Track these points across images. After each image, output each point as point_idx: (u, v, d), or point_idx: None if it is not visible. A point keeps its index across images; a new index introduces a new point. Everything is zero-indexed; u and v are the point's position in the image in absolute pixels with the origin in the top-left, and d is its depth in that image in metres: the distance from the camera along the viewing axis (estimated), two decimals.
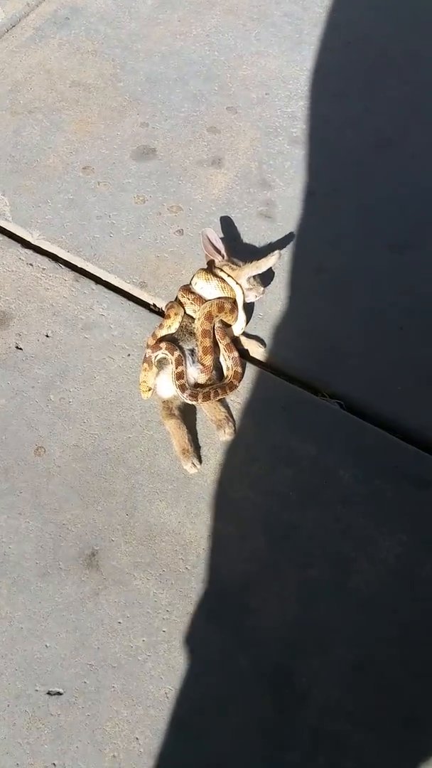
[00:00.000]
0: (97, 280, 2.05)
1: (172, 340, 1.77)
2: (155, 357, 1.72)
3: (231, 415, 1.78)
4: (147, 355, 1.74)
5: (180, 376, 1.68)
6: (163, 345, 1.71)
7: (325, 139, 2.44)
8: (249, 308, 1.95)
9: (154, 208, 2.21)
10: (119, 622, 1.53)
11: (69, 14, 2.81)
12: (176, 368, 1.69)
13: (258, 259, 1.85)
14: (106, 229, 2.15)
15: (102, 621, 1.54)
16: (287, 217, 2.21)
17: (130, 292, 2.04)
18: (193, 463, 1.67)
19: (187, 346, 1.76)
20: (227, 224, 2.18)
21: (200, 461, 1.70)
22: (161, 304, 1.99)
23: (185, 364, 1.71)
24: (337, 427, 1.78)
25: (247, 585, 1.58)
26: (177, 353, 1.69)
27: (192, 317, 1.82)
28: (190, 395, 1.69)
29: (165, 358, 1.73)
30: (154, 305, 2.01)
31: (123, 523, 1.64)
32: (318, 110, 2.52)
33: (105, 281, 2.06)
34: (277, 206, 2.24)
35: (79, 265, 2.09)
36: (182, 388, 1.68)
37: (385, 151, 2.42)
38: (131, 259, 2.08)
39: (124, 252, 2.10)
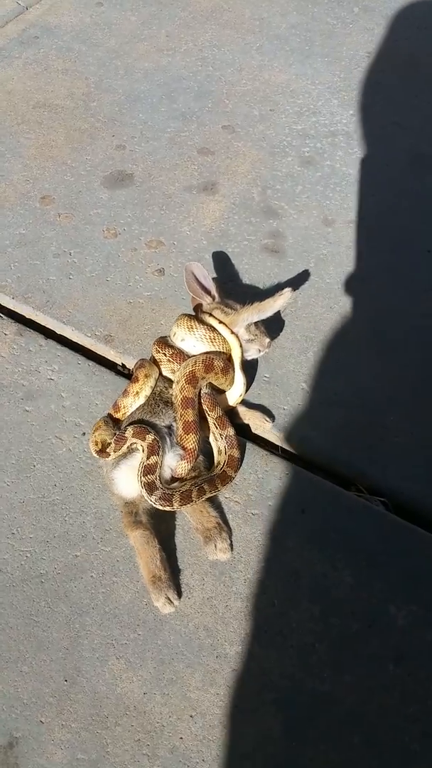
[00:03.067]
0: (48, 334, 1.63)
1: (140, 420, 1.31)
2: (119, 449, 1.26)
3: (225, 522, 1.30)
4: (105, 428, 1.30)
5: (150, 469, 1.21)
6: (129, 432, 1.25)
7: (345, 157, 2.07)
8: (250, 367, 1.50)
9: (128, 243, 1.82)
10: None
11: (39, 33, 2.55)
12: (147, 458, 1.22)
13: (261, 301, 1.42)
14: (64, 270, 1.75)
15: None
16: (299, 251, 1.80)
17: (91, 348, 1.61)
18: (167, 598, 1.18)
19: (162, 422, 1.30)
20: (222, 261, 1.78)
21: (179, 594, 1.21)
22: (131, 364, 1.55)
23: (161, 451, 1.25)
24: (382, 539, 1.29)
25: None
26: (150, 437, 1.23)
27: (170, 380, 1.37)
28: (161, 498, 1.21)
29: (134, 446, 1.27)
30: (123, 366, 1.58)
31: (59, 694, 1.13)
32: (335, 127, 2.17)
33: (59, 335, 1.65)
34: (286, 238, 1.84)
35: (26, 315, 1.68)
36: (149, 487, 1.21)
37: (420, 170, 2.04)
38: (95, 306, 1.66)
39: (87, 298, 1.68)
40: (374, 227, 1.88)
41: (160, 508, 1.23)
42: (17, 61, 2.43)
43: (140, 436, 1.25)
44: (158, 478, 1.22)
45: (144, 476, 1.22)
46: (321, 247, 1.83)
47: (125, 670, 1.16)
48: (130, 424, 1.29)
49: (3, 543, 1.29)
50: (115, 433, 1.28)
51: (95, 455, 1.28)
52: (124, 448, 1.26)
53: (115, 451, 1.26)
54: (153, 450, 1.24)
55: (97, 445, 1.27)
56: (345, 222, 1.89)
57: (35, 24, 2.60)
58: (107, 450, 1.26)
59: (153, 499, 1.22)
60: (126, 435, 1.26)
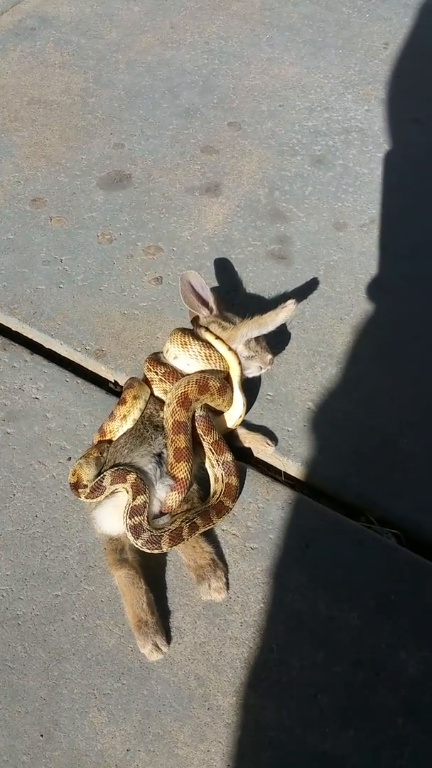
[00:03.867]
0: (35, 348, 1.56)
1: (127, 444, 1.23)
2: (95, 497, 1.19)
3: (221, 558, 1.22)
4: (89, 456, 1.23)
5: (137, 510, 1.14)
6: (107, 479, 1.17)
7: (359, 156, 1.98)
8: (251, 385, 1.42)
9: (123, 250, 1.75)
10: None
11: (36, 24, 2.49)
12: (133, 499, 1.14)
13: (262, 314, 1.34)
14: (54, 278, 1.68)
15: None
16: (308, 257, 1.72)
17: (81, 363, 1.54)
18: (155, 644, 1.10)
19: (152, 449, 1.22)
20: (225, 269, 1.70)
21: (168, 640, 1.13)
22: (125, 381, 1.47)
23: (147, 488, 1.17)
24: (394, 576, 1.21)
25: None
26: (132, 477, 1.16)
27: (163, 402, 1.30)
28: (148, 542, 1.13)
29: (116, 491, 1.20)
30: (115, 383, 1.50)
31: (34, 752, 1.05)
32: (349, 123, 2.08)
33: (46, 349, 1.58)
34: (294, 243, 1.75)
35: (11, 328, 1.61)
36: (135, 530, 1.14)
37: None
38: (86, 317, 1.59)
39: (77, 308, 1.61)
40: (390, 231, 1.79)
41: (147, 551, 1.15)
42: (12, 54, 2.37)
43: (120, 480, 1.18)
44: (145, 518, 1.15)
45: (130, 518, 1.14)
46: (331, 253, 1.74)
47: (107, 723, 1.09)
48: (110, 468, 1.21)
49: None
50: (96, 474, 1.20)
51: (72, 492, 1.21)
52: (101, 498, 1.19)
53: (88, 498, 1.19)
54: (138, 489, 1.16)
55: (74, 477, 1.20)
56: (358, 226, 1.80)
57: (32, 14, 2.54)
58: (80, 492, 1.19)
59: (139, 543, 1.14)
60: (104, 484, 1.18)
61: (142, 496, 1.16)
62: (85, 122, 2.12)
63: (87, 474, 1.21)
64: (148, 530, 1.14)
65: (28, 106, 2.18)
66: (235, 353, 1.33)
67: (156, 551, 1.15)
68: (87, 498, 1.19)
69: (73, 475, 1.21)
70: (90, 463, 1.21)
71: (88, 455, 1.23)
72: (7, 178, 1.95)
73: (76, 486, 1.20)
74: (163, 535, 1.14)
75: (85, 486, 1.20)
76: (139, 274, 1.70)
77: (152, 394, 1.33)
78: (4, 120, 2.13)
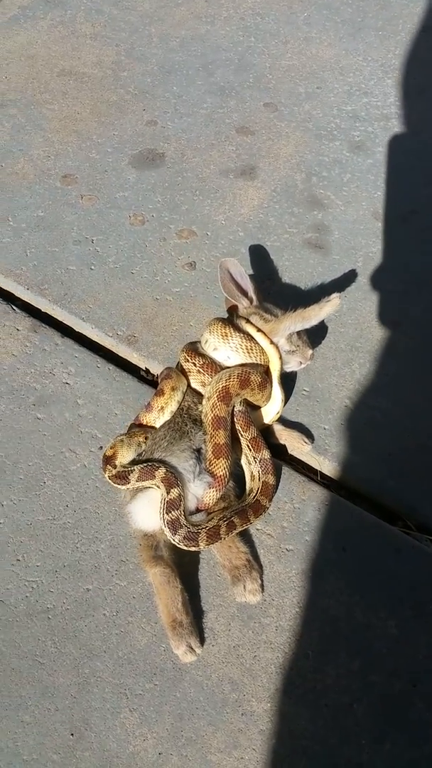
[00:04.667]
0: (65, 331, 1.51)
1: (166, 437, 1.19)
2: (125, 485, 1.15)
3: (256, 559, 1.18)
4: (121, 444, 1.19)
5: (173, 505, 1.10)
6: (134, 475, 1.13)
7: (399, 144, 1.91)
8: (288, 380, 1.38)
9: (156, 232, 1.69)
10: None
11: None
12: (167, 493, 1.10)
13: (305, 307, 1.29)
14: (85, 259, 1.63)
15: None
16: (346, 247, 1.66)
17: (112, 349, 1.49)
18: (189, 646, 1.07)
19: (191, 444, 1.18)
20: (260, 256, 1.64)
21: (201, 641, 1.10)
22: (157, 370, 1.43)
23: (182, 483, 1.13)
24: None
25: None
26: (161, 472, 1.11)
27: (200, 394, 1.25)
28: (185, 538, 1.10)
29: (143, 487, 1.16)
30: (147, 371, 1.46)
31: (64, 750, 1.03)
32: (389, 109, 2.01)
33: (76, 333, 1.53)
34: (332, 232, 1.70)
35: (41, 309, 1.56)
36: (173, 525, 1.10)
37: None
38: (118, 301, 1.54)
39: (109, 291, 1.56)
40: (431, 223, 1.73)
41: (184, 548, 1.11)
42: (41, 23, 2.30)
43: (148, 476, 1.14)
44: (182, 513, 1.11)
45: (167, 513, 1.10)
46: (370, 244, 1.69)
47: (139, 725, 1.06)
48: (145, 461, 1.17)
49: (6, 570, 1.19)
50: (131, 459, 1.17)
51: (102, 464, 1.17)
52: (121, 488, 1.15)
53: (111, 480, 1.15)
54: (170, 483, 1.12)
55: (112, 450, 1.16)
56: (398, 216, 1.75)
57: None
58: (109, 468, 1.15)
59: (177, 539, 1.10)
60: (130, 478, 1.14)
61: (175, 489, 1.12)
62: (117, 97, 2.05)
63: (123, 455, 1.17)
64: (186, 526, 1.10)
65: (59, 78, 2.11)
66: (277, 347, 1.29)
67: (193, 548, 1.12)
68: (110, 479, 1.15)
69: (111, 448, 1.17)
70: (131, 446, 1.17)
71: (133, 436, 1.19)
72: (37, 152, 1.88)
73: (108, 460, 1.16)
74: (200, 532, 1.11)
75: (116, 466, 1.15)
76: (172, 259, 1.65)
77: (189, 385, 1.29)
78: (35, 92, 2.06)
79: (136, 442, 1.18)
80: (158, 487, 1.14)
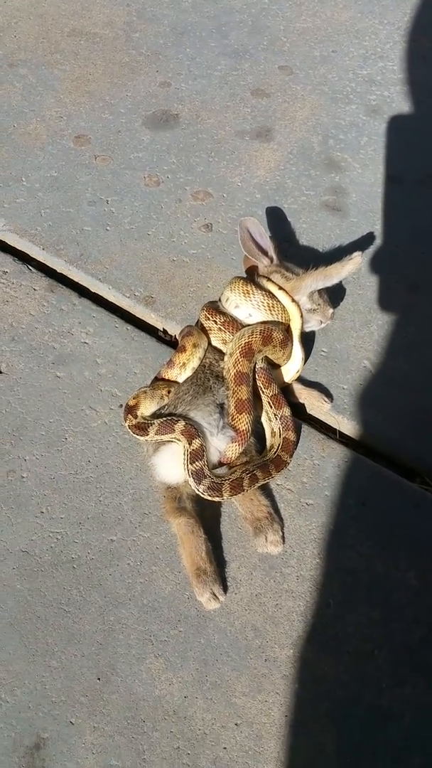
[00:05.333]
0: (82, 292, 1.52)
1: (189, 394, 1.21)
2: (144, 436, 1.17)
3: (277, 512, 1.21)
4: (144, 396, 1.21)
5: (196, 455, 1.12)
6: (153, 429, 1.15)
7: (416, 109, 1.92)
8: (307, 340, 1.40)
9: (172, 193, 1.69)
10: None
11: None
12: (189, 444, 1.12)
13: (327, 266, 1.30)
14: (101, 220, 1.63)
15: None
16: (363, 210, 1.67)
17: (130, 310, 1.50)
18: (213, 593, 1.10)
19: (215, 399, 1.20)
20: (277, 218, 1.65)
21: (225, 589, 1.13)
22: (174, 331, 1.44)
23: (204, 436, 1.15)
24: None
25: None
26: (180, 425, 1.14)
27: (221, 351, 1.27)
28: (209, 488, 1.12)
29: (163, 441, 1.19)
30: (164, 331, 1.47)
31: (92, 694, 1.06)
32: (406, 74, 2.00)
33: (93, 293, 1.54)
34: (349, 195, 1.70)
35: (57, 270, 1.57)
36: (197, 475, 1.12)
37: None
38: (134, 262, 1.55)
39: (125, 253, 1.57)
40: None
41: (208, 498, 1.14)
42: None
43: (167, 430, 1.16)
44: (206, 464, 1.13)
45: (191, 463, 1.13)
46: (388, 207, 1.70)
47: (164, 670, 1.09)
48: (167, 415, 1.19)
49: (31, 522, 1.21)
50: (153, 412, 1.19)
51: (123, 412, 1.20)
52: (140, 439, 1.19)
53: (131, 430, 1.18)
54: (191, 434, 1.15)
55: (135, 401, 1.18)
56: (415, 180, 1.75)
57: None
58: (130, 418, 1.17)
59: (201, 489, 1.13)
60: (149, 431, 1.16)
61: (197, 440, 1.14)
62: (129, 58, 2.04)
63: (146, 406, 1.19)
64: (209, 476, 1.13)
65: (69, 37, 2.09)
66: (298, 305, 1.30)
67: (216, 499, 1.14)
68: (130, 428, 1.18)
69: (134, 398, 1.19)
70: (154, 398, 1.20)
71: (156, 388, 1.21)
72: (49, 113, 1.88)
73: (130, 410, 1.19)
74: (224, 483, 1.13)
75: (137, 416, 1.18)
76: (188, 220, 1.66)
77: (210, 343, 1.30)
78: (45, 52, 2.05)
79: (159, 394, 1.20)
80: (179, 440, 1.16)
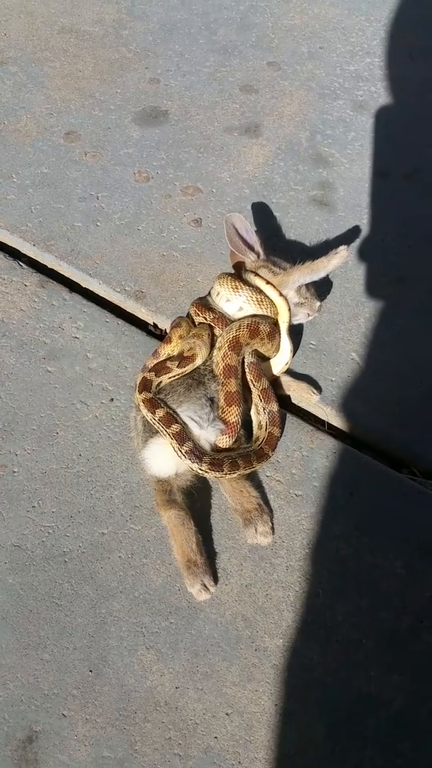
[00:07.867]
0: (73, 287, 1.51)
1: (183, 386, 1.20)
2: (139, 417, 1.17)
3: (267, 503, 1.20)
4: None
5: (181, 436, 1.11)
6: (140, 396, 1.15)
7: (402, 104, 1.90)
8: (295, 333, 1.38)
9: (161, 189, 1.68)
10: None
11: None
12: (167, 427, 1.11)
13: (313, 260, 1.29)
14: (91, 216, 1.61)
15: None
16: (351, 204, 1.66)
17: (120, 305, 1.49)
18: (203, 584, 1.09)
19: (207, 393, 1.18)
20: (265, 213, 1.64)
21: (215, 580, 1.12)
22: (165, 325, 1.43)
23: (177, 419, 1.14)
24: None
25: None
26: (161, 412, 1.13)
27: (211, 346, 1.25)
28: (211, 464, 1.11)
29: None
30: (155, 326, 1.46)
31: (84, 686, 1.05)
32: (392, 70, 1.99)
33: (84, 289, 1.52)
34: (336, 190, 1.69)
35: (47, 265, 1.55)
36: (194, 454, 1.11)
37: None
38: (124, 257, 1.53)
39: (115, 248, 1.55)
40: None
41: (211, 474, 1.12)
42: None
43: (152, 409, 1.14)
44: (196, 446, 1.12)
45: (181, 445, 1.11)
46: (375, 201, 1.68)
47: (156, 661, 1.08)
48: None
49: (23, 517, 1.20)
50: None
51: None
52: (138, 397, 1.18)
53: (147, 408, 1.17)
54: (168, 420, 1.13)
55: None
56: (402, 174, 1.74)
57: None
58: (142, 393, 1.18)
59: (205, 467, 1.11)
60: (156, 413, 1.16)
61: (176, 425, 1.13)
62: (118, 55, 2.02)
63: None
64: (206, 453, 1.12)
65: (59, 35, 2.07)
66: (286, 299, 1.29)
67: (217, 474, 1.13)
68: (143, 401, 1.18)
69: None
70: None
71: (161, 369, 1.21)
72: (39, 109, 1.85)
73: (143, 385, 1.18)
74: (224, 461, 1.12)
75: (151, 391, 1.18)
76: (178, 215, 1.64)
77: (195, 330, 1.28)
78: (35, 49, 2.02)
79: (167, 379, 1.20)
80: (156, 423, 1.14)
